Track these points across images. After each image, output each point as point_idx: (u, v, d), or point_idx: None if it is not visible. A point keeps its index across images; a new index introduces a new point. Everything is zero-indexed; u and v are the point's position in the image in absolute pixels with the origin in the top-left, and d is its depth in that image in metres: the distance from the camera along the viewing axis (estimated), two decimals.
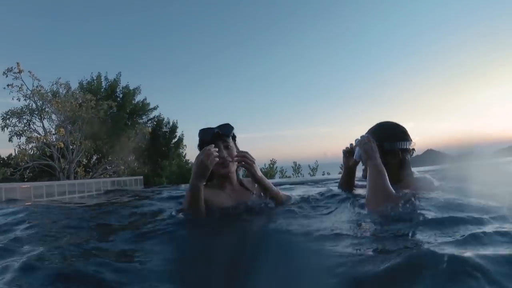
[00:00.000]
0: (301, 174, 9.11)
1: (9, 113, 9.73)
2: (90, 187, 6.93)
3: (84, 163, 11.87)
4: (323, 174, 8.68)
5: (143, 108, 12.39)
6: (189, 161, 12.02)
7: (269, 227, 1.36)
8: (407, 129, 1.67)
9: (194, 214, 1.48)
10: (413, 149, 1.66)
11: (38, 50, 18.59)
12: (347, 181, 2.02)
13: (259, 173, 1.62)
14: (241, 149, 1.72)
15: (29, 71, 9.52)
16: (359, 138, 1.61)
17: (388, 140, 1.60)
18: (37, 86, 9.66)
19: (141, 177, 7.38)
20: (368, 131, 1.70)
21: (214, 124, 1.70)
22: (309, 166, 9.15)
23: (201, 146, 1.66)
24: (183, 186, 5.83)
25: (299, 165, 9.13)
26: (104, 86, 12.04)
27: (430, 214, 1.17)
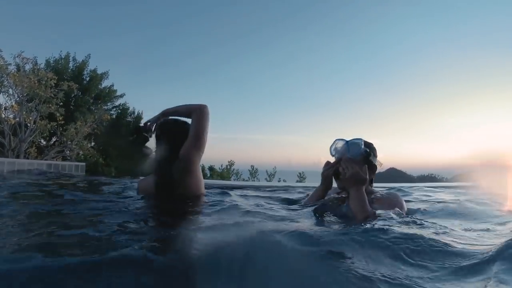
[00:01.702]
0: (257, 178, 8.92)
1: None
2: (22, 167, 6.56)
3: (42, 144, 11.39)
4: (279, 181, 8.56)
5: (109, 94, 11.97)
6: None
7: None
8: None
9: None
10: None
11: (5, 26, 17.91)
12: (321, 196, 1.78)
13: None
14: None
15: None
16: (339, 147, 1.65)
17: (374, 155, 1.67)
18: None
19: (84, 163, 7.01)
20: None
21: None
22: (266, 171, 9.00)
23: None
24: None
25: (256, 169, 8.94)
26: (71, 67, 11.58)
27: None
